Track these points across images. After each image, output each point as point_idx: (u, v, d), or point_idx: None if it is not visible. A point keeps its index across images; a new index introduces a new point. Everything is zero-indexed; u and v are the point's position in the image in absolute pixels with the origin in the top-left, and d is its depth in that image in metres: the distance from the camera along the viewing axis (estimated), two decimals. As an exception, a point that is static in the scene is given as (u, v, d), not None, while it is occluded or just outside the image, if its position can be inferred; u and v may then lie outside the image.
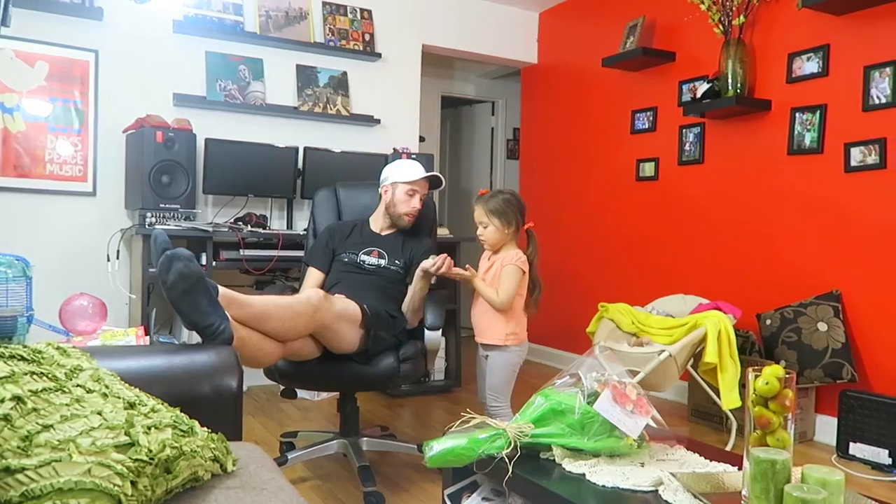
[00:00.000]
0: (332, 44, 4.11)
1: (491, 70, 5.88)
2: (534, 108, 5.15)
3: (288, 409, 3.54)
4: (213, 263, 3.35)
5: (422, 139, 4.91)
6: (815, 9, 3.09)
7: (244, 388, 2.20)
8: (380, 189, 2.76)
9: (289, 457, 2.47)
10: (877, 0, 2.92)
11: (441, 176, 2.77)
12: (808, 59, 3.23)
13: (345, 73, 4.19)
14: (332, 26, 4.13)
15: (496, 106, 6.26)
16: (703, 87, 3.57)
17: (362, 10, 4.25)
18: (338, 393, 2.67)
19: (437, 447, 1.53)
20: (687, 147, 3.86)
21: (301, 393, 3.69)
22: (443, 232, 4.25)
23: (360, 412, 2.66)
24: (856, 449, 2.87)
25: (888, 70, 2.92)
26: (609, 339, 3.04)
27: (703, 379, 3.01)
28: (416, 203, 2.69)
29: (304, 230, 3.55)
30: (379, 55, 4.27)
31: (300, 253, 3.35)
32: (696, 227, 3.81)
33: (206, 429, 1.23)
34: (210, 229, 3.34)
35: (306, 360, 2.31)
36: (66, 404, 1.05)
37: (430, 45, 4.56)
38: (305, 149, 3.90)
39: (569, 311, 4.54)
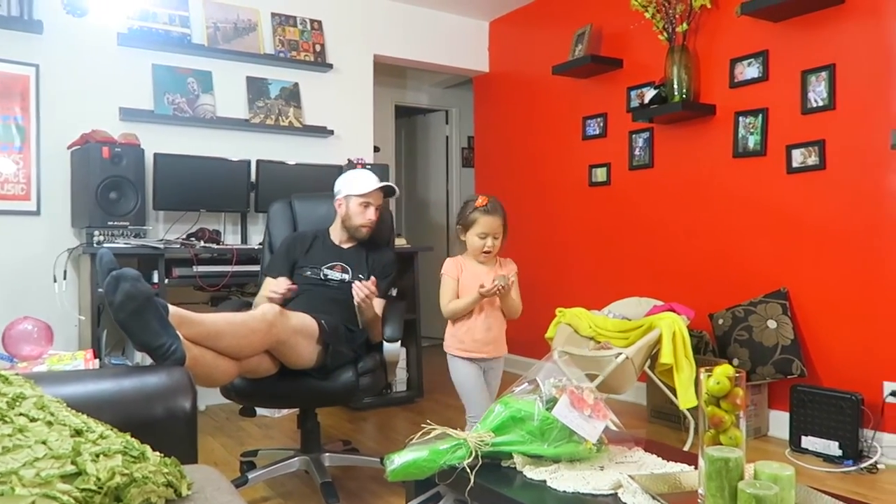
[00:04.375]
0: (282, 55, 4.08)
1: (443, 79, 5.92)
2: (487, 116, 5.19)
3: (248, 427, 3.48)
4: (166, 281, 3.27)
5: (376, 149, 4.90)
6: (753, 16, 3.19)
7: (202, 408, 2.14)
8: (334, 202, 2.74)
9: (249, 476, 2.42)
10: (810, 7, 3.04)
11: (394, 185, 2.76)
12: (749, 64, 3.34)
13: (296, 85, 4.15)
14: (281, 37, 4.10)
15: (450, 115, 6.29)
16: (650, 93, 3.65)
17: (312, 21, 4.23)
18: (298, 409, 2.63)
19: (398, 460, 1.52)
20: (637, 152, 3.94)
21: (261, 410, 3.62)
22: (400, 242, 4.24)
23: (322, 427, 2.63)
24: (808, 442, 2.95)
25: (824, 74, 3.04)
26: (567, 344, 3.08)
27: (660, 380, 3.06)
28: (370, 215, 2.67)
29: (260, 244, 3.50)
30: (330, 66, 4.25)
31: (256, 268, 3.30)
32: (649, 231, 3.88)
33: (158, 453, 1.20)
34: (161, 246, 3.26)
35: (263, 378, 2.27)
36: (8, 435, 1.01)
37: (381, 55, 4.56)
38: (258, 161, 3.85)
39: (527, 317, 4.55)
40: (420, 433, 1.59)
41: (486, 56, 5.10)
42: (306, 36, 4.19)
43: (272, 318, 2.13)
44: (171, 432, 1.44)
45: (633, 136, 3.95)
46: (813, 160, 3.10)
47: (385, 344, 2.44)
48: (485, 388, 2.42)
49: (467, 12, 4.88)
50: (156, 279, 3.22)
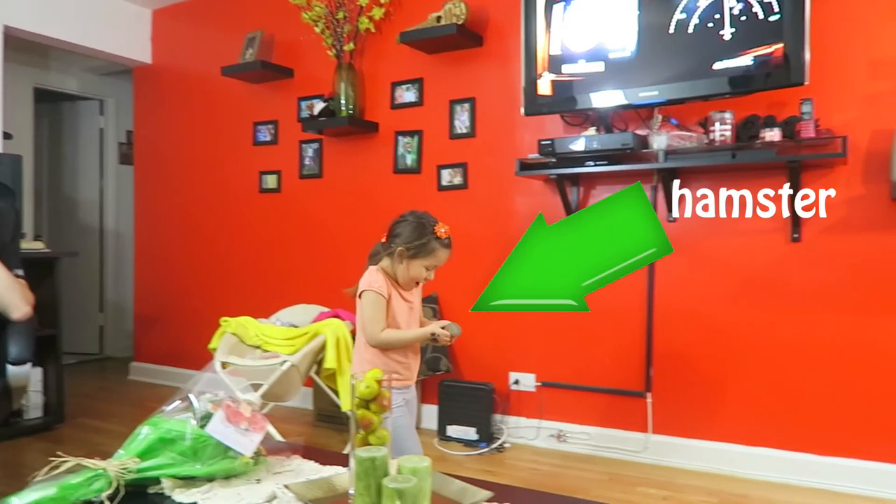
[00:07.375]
0: None
1: (98, 65, 5.28)
2: (149, 111, 4.79)
3: None
4: None
5: (8, 136, 4.17)
6: (411, 45, 3.49)
7: None
8: None
9: None
10: (457, 45, 3.43)
11: None
12: (407, 89, 3.65)
13: None
14: None
15: (105, 105, 5.66)
16: (319, 106, 3.75)
17: (-85, -27, 3.44)
18: None
19: (17, 503, 1.31)
20: (307, 161, 4.01)
21: None
22: (37, 245, 3.68)
23: (-85, 475, 2.14)
24: (452, 430, 3.32)
25: (467, 105, 3.46)
26: (232, 354, 2.99)
27: (325, 384, 3.15)
28: None
29: None
30: (-59, 31, 3.50)
31: None
32: (317, 239, 3.98)
33: None
34: None
35: None
36: None
37: (14, 28, 3.90)
38: None
39: (189, 328, 4.33)
40: (48, 467, 1.39)
41: (148, 46, 4.70)
42: None
43: None
44: None
45: (304, 145, 4.02)
46: (458, 180, 3.51)
47: (9, 367, 2.08)
48: (413, 425, 2.11)
49: (126, -5, 4.45)
50: None
